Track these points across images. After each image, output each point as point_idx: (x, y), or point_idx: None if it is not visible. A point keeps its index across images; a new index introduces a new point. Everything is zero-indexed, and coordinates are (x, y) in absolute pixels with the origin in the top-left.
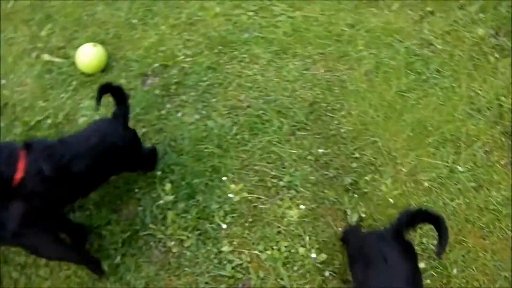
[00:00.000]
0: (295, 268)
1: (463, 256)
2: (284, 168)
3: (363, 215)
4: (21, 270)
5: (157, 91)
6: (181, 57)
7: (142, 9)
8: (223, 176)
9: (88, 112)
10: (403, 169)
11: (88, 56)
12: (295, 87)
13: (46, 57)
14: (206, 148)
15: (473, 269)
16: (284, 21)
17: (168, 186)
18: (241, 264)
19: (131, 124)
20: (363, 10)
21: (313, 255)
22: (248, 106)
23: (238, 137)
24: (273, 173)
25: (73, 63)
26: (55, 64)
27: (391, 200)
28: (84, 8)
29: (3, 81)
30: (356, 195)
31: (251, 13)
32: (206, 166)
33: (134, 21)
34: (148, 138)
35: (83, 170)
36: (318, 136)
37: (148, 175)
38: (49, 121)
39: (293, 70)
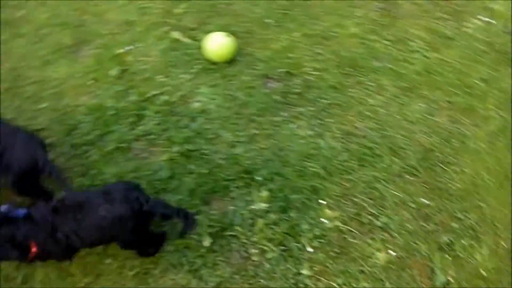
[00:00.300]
0: None
1: None
2: (383, 208)
3: (451, 279)
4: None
5: (276, 97)
6: (308, 69)
7: (280, 10)
8: (321, 199)
9: (204, 99)
10: (504, 244)
11: (219, 44)
12: (414, 129)
13: (175, 34)
14: (311, 166)
15: None
16: (418, 59)
17: (265, 194)
18: None
19: (242, 122)
20: (501, 68)
21: None
22: (363, 136)
23: (345, 164)
24: (371, 210)
25: (200, 47)
26: (182, 43)
27: (483, 273)
28: None
29: (129, 47)
30: (448, 257)
31: (387, 42)
32: (306, 184)
33: (269, 21)
34: (256, 141)
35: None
36: (425, 186)
37: (248, 177)
38: (164, 97)
39: (416, 111)
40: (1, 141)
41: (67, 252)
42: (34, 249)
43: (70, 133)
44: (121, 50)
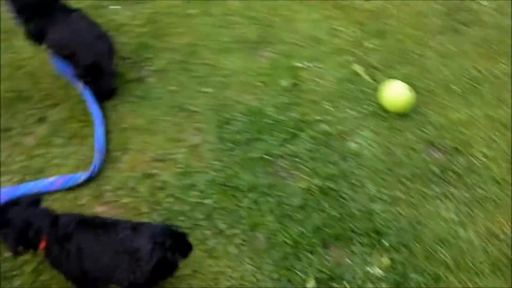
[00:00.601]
0: None
1: None
2: None
3: None
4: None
5: (434, 168)
6: (477, 152)
7: (469, 81)
8: None
9: (363, 143)
10: None
11: (398, 94)
12: None
13: (356, 67)
14: (442, 253)
15: None
16: None
17: (386, 261)
18: None
19: (391, 180)
20: None
21: None
22: (507, 244)
23: (478, 265)
24: None
25: (377, 89)
26: (361, 79)
27: None
28: (418, 46)
29: (308, 64)
30: None
31: None
32: (430, 269)
33: (455, 88)
34: (397, 205)
35: None
36: None
37: (376, 237)
38: (324, 126)
39: None
40: (77, 39)
41: (81, 278)
42: (42, 245)
43: (222, 126)
44: (299, 64)
